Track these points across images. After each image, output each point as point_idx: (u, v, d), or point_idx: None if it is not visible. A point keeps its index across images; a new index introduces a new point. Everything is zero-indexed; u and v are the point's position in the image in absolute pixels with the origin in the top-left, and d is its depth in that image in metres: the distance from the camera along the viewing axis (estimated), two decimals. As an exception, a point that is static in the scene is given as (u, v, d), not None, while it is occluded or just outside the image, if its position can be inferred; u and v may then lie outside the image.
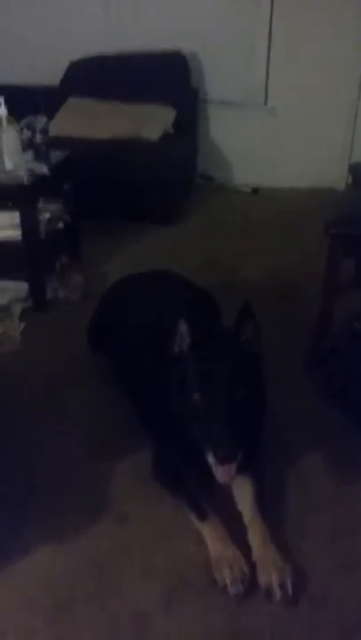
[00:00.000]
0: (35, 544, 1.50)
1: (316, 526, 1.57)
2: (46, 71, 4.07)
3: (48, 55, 4.11)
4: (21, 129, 2.55)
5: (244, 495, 1.55)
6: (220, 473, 1.42)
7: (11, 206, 2.55)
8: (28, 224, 2.48)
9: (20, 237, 2.52)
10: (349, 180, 4.24)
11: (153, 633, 1.31)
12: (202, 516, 1.50)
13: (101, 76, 4.03)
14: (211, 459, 1.40)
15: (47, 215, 2.70)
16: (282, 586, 1.35)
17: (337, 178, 4.30)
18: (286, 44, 4.13)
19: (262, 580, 1.38)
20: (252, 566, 1.40)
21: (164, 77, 4.00)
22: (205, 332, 1.60)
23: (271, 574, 1.37)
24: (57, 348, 2.35)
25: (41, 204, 2.67)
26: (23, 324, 2.48)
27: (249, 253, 3.15)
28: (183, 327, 1.52)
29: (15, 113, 2.49)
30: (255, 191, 4.31)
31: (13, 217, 2.53)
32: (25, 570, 1.44)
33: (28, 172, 2.45)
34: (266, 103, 4.33)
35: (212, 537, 1.46)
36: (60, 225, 2.83)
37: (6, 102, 2.42)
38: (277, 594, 1.34)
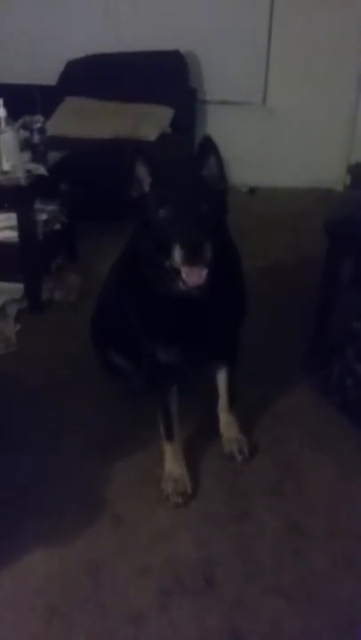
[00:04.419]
0: (30, 546, 1.50)
1: (314, 524, 1.57)
2: (43, 70, 4.06)
3: (45, 54, 4.10)
4: (18, 129, 2.54)
5: (221, 383, 1.83)
6: (190, 273, 1.36)
7: (7, 207, 2.54)
8: (24, 225, 2.47)
9: (16, 238, 2.51)
10: (348, 181, 4.26)
11: (149, 633, 1.31)
12: (169, 437, 1.73)
13: (99, 76, 4.02)
14: (179, 258, 1.34)
15: (44, 216, 2.69)
16: (241, 452, 1.77)
17: (335, 178, 4.30)
18: (286, 43, 4.12)
19: (227, 449, 1.79)
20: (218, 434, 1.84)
21: (163, 77, 3.99)
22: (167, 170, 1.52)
23: (233, 445, 1.78)
24: (54, 349, 2.34)
25: (38, 205, 2.66)
26: (19, 326, 2.48)
27: (246, 252, 3.13)
28: (141, 169, 1.45)
29: (12, 113, 2.48)
30: (253, 191, 4.31)
31: (10, 218, 2.53)
32: (21, 572, 1.45)
33: (26, 172, 2.45)
34: (264, 103, 4.32)
35: (171, 456, 1.72)
36: (57, 226, 2.82)
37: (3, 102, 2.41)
38: (238, 457, 1.77)
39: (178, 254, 1.34)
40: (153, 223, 1.41)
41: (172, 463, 1.71)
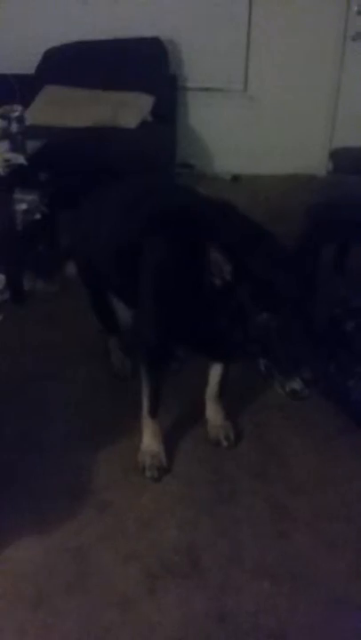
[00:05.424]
0: (16, 534, 1.50)
1: (298, 507, 1.59)
2: (21, 59, 3.99)
3: (23, 43, 4.03)
4: (-4, 118, 2.51)
5: (214, 373, 1.81)
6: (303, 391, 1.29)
7: (-14, 197, 2.51)
8: (3, 215, 2.45)
9: (-4, 229, 2.49)
10: (330, 167, 4.26)
11: (136, 617, 1.32)
12: (152, 414, 1.73)
13: (78, 64, 3.96)
14: (296, 384, 1.27)
15: (23, 206, 2.65)
16: (226, 437, 1.78)
17: (318, 164, 4.30)
18: (266, 30, 4.09)
19: (212, 434, 1.80)
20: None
21: (142, 64, 3.94)
22: (248, 249, 1.36)
23: (218, 431, 1.79)
24: (36, 339, 2.32)
25: (17, 195, 2.62)
26: (1, 316, 2.45)
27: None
28: (216, 256, 1.31)
29: (-11, 102, 2.45)
30: (236, 178, 4.30)
31: (-11, 208, 2.50)
32: (7, 560, 1.45)
33: (4, 162, 2.42)
34: (245, 90, 4.30)
35: (151, 431, 1.73)
36: (37, 216, 2.79)
37: (-21, 91, 2.38)
38: (223, 442, 1.78)
39: (293, 378, 1.27)
40: (251, 324, 1.31)
41: (151, 439, 1.73)
